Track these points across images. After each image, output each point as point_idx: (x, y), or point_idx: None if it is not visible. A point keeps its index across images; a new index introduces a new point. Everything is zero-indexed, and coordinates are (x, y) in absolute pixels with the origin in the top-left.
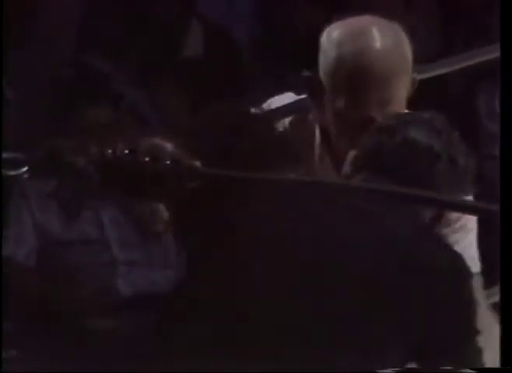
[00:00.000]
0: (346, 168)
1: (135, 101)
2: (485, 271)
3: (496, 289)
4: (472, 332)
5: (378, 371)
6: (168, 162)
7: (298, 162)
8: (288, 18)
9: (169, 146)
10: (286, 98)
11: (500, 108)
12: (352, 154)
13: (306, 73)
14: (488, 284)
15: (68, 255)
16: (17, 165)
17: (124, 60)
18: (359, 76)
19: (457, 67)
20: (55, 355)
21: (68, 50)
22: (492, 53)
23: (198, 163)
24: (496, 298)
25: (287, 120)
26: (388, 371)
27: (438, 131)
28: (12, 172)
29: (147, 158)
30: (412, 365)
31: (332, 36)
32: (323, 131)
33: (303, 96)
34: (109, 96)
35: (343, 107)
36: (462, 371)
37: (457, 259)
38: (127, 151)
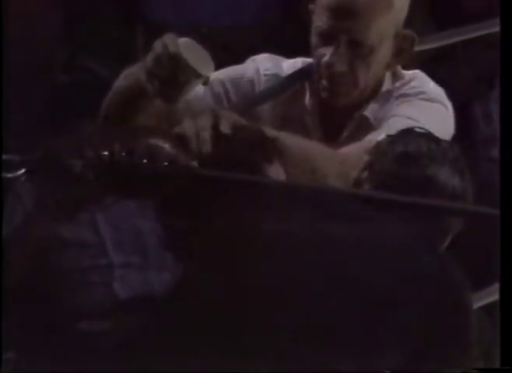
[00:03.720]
0: (359, 173)
1: None
2: (485, 271)
3: (495, 288)
4: (466, 340)
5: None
6: (166, 163)
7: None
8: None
9: (166, 147)
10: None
11: (500, 110)
12: (365, 159)
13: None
14: (487, 283)
15: (63, 258)
16: (14, 167)
17: (117, 64)
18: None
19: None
20: (51, 358)
21: (65, 54)
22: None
23: (195, 164)
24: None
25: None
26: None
27: (461, 172)
28: (9, 175)
29: (144, 160)
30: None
31: None
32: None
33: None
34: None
35: (318, 25)
36: (464, 371)
37: (456, 273)
38: (124, 153)
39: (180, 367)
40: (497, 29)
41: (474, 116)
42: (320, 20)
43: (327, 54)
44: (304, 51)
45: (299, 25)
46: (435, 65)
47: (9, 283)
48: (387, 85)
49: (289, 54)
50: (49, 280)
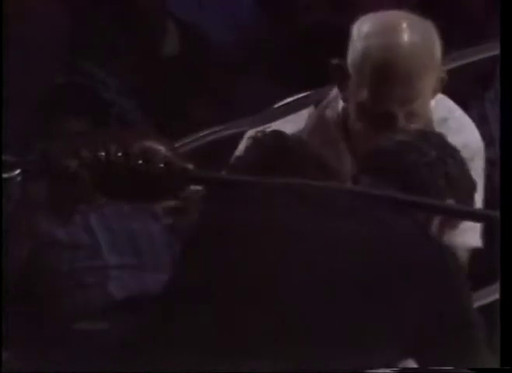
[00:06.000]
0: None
1: (125, 108)
2: (485, 271)
3: (495, 288)
4: (466, 332)
5: (377, 370)
6: (161, 165)
7: (321, 167)
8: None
9: (162, 149)
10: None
11: (500, 111)
12: (371, 150)
13: (335, 61)
14: (487, 283)
15: (58, 259)
16: (9, 167)
17: (114, 66)
18: (383, 70)
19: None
20: (49, 357)
21: (60, 55)
22: (491, 51)
23: (190, 166)
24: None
25: (303, 120)
26: (388, 371)
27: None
28: (4, 175)
29: (140, 161)
30: (410, 364)
31: (362, 28)
32: (342, 126)
33: (305, 93)
34: (99, 102)
35: (365, 101)
36: (462, 371)
37: (455, 263)
38: (120, 154)
39: (176, 366)
40: (495, 52)
41: (469, 117)
42: (361, 92)
43: (382, 127)
44: None
45: None
46: None
47: (6, 283)
48: None
49: None
50: (45, 280)
